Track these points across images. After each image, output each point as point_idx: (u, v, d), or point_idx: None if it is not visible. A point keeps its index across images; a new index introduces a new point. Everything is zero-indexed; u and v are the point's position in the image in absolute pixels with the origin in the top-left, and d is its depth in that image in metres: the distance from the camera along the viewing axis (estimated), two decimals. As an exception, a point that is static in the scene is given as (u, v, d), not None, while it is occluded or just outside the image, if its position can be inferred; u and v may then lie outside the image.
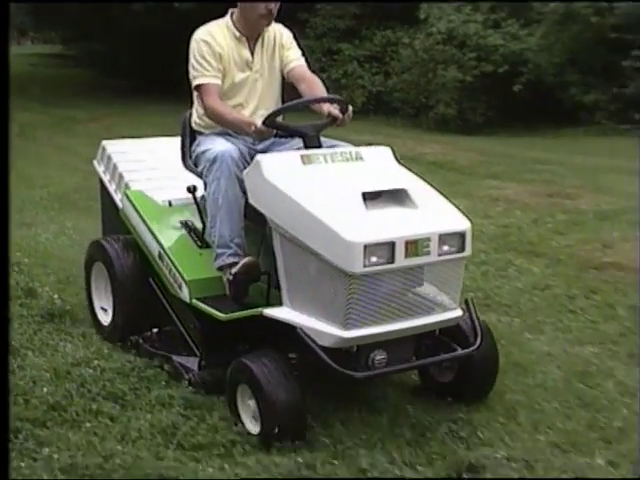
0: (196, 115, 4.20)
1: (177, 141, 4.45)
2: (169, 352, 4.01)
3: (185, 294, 3.91)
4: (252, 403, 3.31)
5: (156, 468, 3.07)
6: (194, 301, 3.86)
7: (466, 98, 14.12)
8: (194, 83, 4.03)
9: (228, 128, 3.99)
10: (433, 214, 3.36)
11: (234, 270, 3.67)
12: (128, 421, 3.47)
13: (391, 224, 3.22)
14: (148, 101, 16.77)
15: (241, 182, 3.72)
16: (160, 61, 17.10)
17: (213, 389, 3.69)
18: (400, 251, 3.15)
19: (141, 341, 4.18)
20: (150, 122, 12.73)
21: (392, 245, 3.14)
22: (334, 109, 3.77)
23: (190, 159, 4.22)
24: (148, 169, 4.88)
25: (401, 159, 3.78)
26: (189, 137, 4.26)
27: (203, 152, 3.91)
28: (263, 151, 3.92)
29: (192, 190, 4.07)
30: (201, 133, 4.18)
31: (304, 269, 3.31)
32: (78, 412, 3.50)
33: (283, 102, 4.13)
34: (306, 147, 3.70)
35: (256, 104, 4.07)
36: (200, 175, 3.97)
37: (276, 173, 3.46)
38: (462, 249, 3.33)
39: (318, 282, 3.25)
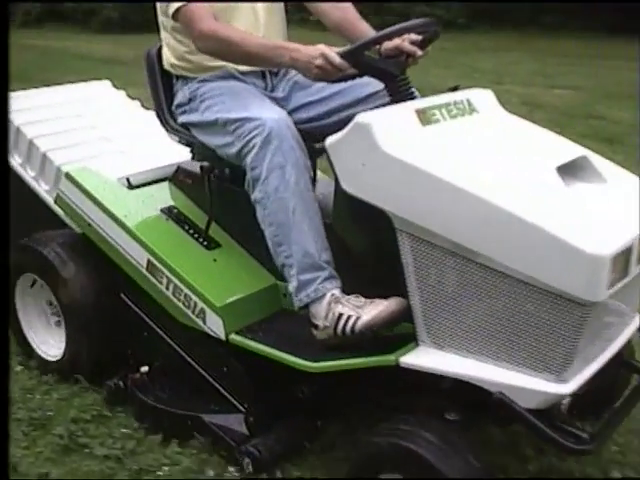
0: (173, 56, 2.77)
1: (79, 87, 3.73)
2: (187, 407, 2.69)
3: (214, 327, 2.58)
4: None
5: None
6: (234, 337, 2.56)
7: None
8: (171, 8, 2.59)
9: (247, 62, 2.62)
10: (631, 192, 2.32)
11: (366, 319, 2.29)
12: None
13: (616, 218, 2.14)
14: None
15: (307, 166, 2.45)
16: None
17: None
18: (635, 257, 2.10)
19: (128, 387, 2.80)
20: None
21: (629, 251, 2.07)
22: (408, 43, 2.51)
23: (174, 120, 2.81)
24: (61, 132, 3.39)
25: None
26: (162, 87, 2.83)
27: (235, 121, 2.50)
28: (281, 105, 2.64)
29: (209, 171, 2.68)
30: (185, 78, 2.75)
31: (476, 297, 2.15)
32: None
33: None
34: (392, 96, 2.46)
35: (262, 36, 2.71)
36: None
37: (397, 143, 2.21)
38: None
39: (508, 314, 2.11)
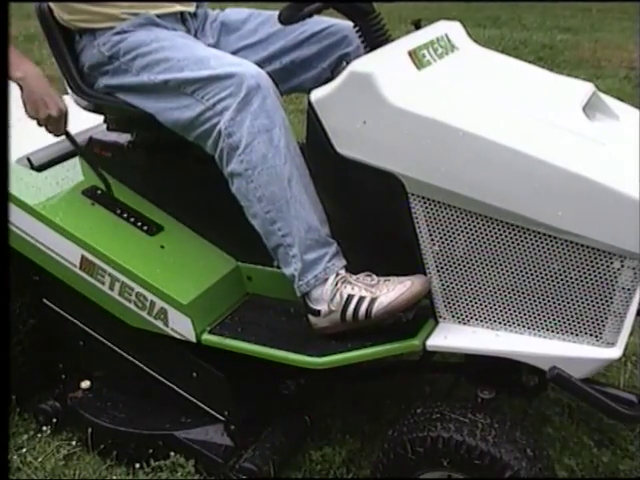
0: (63, 10, 2.26)
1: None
2: (154, 426, 2.27)
3: (181, 328, 2.17)
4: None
5: None
6: (208, 338, 2.16)
7: None
8: None
9: None
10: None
11: (386, 301, 1.95)
12: None
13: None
14: None
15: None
16: None
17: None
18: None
19: (68, 407, 2.34)
20: None
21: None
22: None
23: (87, 84, 2.30)
24: None
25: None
26: (65, 44, 2.30)
27: (195, 82, 2.04)
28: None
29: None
30: (92, 32, 2.25)
31: (503, 261, 1.88)
32: None
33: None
34: (366, 38, 2.11)
35: None
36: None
37: (403, 93, 1.87)
38: None
39: (544, 278, 1.86)
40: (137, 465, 2.24)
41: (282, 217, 2.00)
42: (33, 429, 2.43)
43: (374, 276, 2.01)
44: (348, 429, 2.40)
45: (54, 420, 2.38)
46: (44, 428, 2.41)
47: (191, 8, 2.37)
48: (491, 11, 9.01)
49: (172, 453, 2.21)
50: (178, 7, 2.32)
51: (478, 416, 1.88)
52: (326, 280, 2.01)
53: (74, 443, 2.35)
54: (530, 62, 2.32)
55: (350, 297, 1.98)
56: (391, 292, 1.95)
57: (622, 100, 2.24)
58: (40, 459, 2.32)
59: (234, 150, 2.00)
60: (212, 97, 2.00)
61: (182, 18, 2.35)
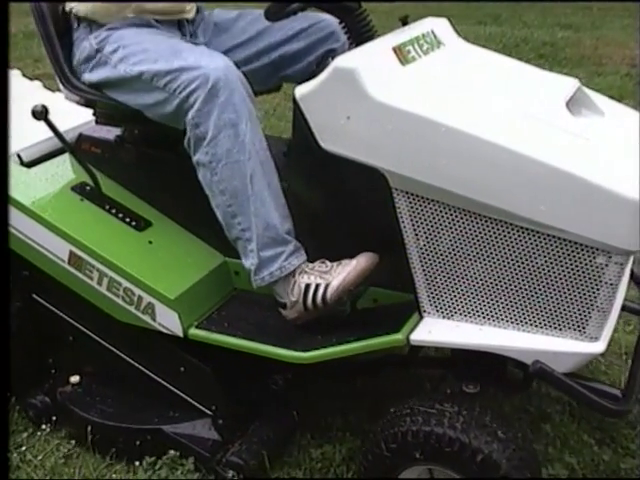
0: None
1: None
2: (142, 420, 2.28)
3: (168, 323, 2.18)
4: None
5: None
6: (195, 332, 2.17)
7: None
8: None
9: None
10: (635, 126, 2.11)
11: (336, 284, 2.00)
12: None
13: (630, 156, 1.92)
14: None
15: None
16: None
17: None
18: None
19: (58, 402, 2.35)
20: None
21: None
22: None
23: (77, 78, 2.31)
24: None
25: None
26: (57, 35, 2.32)
27: (165, 74, 2.05)
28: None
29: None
30: (90, 25, 2.27)
31: (486, 256, 1.89)
32: None
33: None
34: (352, 33, 2.13)
35: None
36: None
37: (387, 88, 1.88)
38: None
39: (527, 272, 1.86)
40: (137, 463, 2.24)
41: (242, 212, 2.03)
42: (32, 427, 2.43)
43: (327, 262, 2.05)
44: (348, 427, 2.39)
45: (44, 415, 2.39)
46: (43, 426, 2.41)
47: (191, 15, 2.39)
48: (492, 9, 9.00)
49: (172, 451, 2.22)
50: (183, 15, 2.34)
51: (446, 406, 1.89)
52: (280, 277, 2.04)
53: (74, 441, 2.35)
54: (531, 59, 2.35)
55: (307, 286, 2.02)
56: (340, 274, 1.97)
57: (623, 98, 2.25)
58: (40, 457, 2.32)
59: (200, 141, 2.02)
60: (184, 90, 2.01)
61: (179, 24, 2.37)
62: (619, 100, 2.14)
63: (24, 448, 2.35)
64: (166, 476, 2.19)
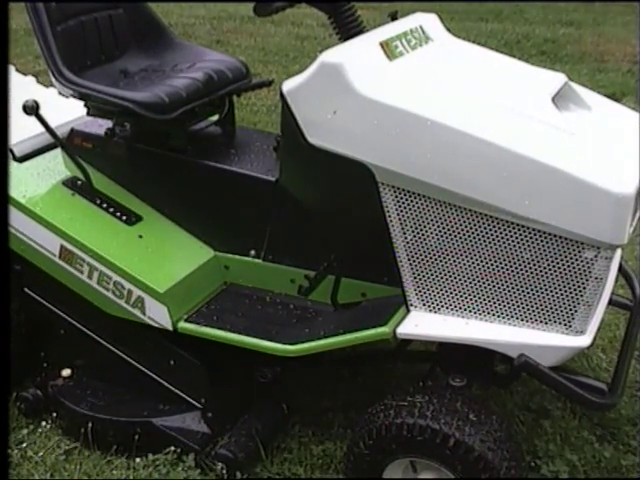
0: None
1: None
2: (132, 412, 2.29)
3: (158, 316, 2.19)
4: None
5: None
6: (184, 326, 2.18)
7: None
8: None
9: None
10: (622, 121, 2.12)
11: None
12: None
13: (618, 151, 1.93)
14: None
15: None
16: None
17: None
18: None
19: (49, 395, 2.36)
20: None
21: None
22: None
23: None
24: None
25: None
26: (51, 30, 2.33)
27: None
28: None
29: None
30: None
31: (473, 250, 1.89)
32: None
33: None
34: (340, 29, 2.13)
35: None
36: None
37: (373, 83, 1.88)
38: None
39: (513, 266, 1.87)
40: (137, 460, 2.25)
41: None
42: (33, 423, 2.43)
43: None
44: (349, 424, 2.38)
45: (36, 409, 2.40)
46: (43, 423, 2.41)
47: None
48: (493, 5, 8.98)
49: (172, 448, 2.22)
50: None
51: (417, 397, 1.91)
52: None
53: (74, 438, 2.35)
54: (532, 56, 2.33)
55: None
56: None
57: (625, 94, 2.24)
58: (41, 454, 2.32)
59: None
60: None
61: None
62: (620, 97, 2.14)
63: (25, 445, 2.36)
64: (166, 472, 2.19)
